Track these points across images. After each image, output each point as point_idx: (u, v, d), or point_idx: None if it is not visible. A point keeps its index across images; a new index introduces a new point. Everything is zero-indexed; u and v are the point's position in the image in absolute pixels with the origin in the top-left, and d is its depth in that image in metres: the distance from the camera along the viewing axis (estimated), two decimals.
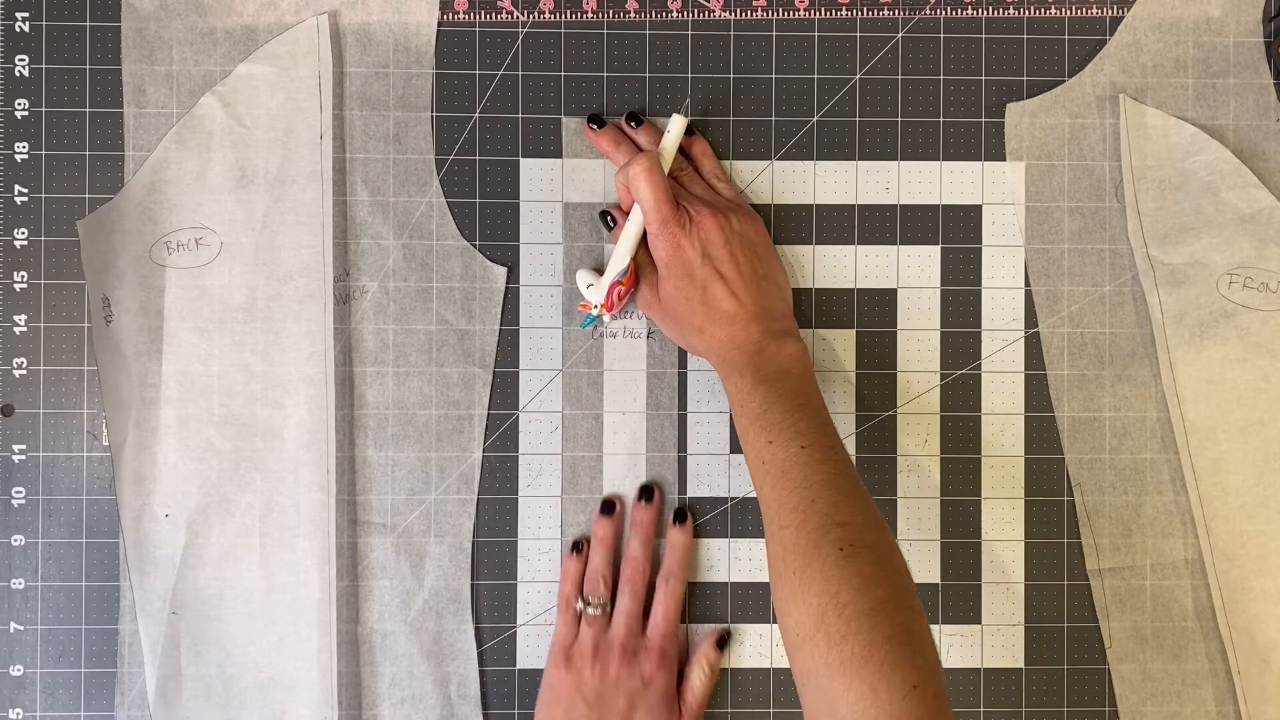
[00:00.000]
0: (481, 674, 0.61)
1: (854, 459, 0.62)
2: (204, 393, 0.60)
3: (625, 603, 0.59)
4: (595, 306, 0.59)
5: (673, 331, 0.59)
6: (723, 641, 0.60)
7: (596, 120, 0.60)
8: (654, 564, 0.60)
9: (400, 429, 0.61)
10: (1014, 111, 0.62)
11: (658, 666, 0.57)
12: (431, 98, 0.61)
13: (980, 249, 0.62)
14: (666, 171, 0.57)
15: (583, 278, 0.60)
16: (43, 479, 0.61)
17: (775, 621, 0.62)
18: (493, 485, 0.62)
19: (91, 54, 0.61)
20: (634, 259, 0.58)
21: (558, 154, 0.62)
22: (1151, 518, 0.62)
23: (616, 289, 0.58)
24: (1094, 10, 0.62)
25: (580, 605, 0.59)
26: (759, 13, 0.62)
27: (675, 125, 0.58)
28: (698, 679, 0.59)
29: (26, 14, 0.61)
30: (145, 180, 0.60)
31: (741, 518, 0.62)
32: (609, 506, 0.61)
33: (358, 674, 0.61)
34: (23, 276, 0.61)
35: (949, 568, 0.62)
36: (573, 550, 0.61)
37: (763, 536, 0.62)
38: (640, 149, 0.60)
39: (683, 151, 0.60)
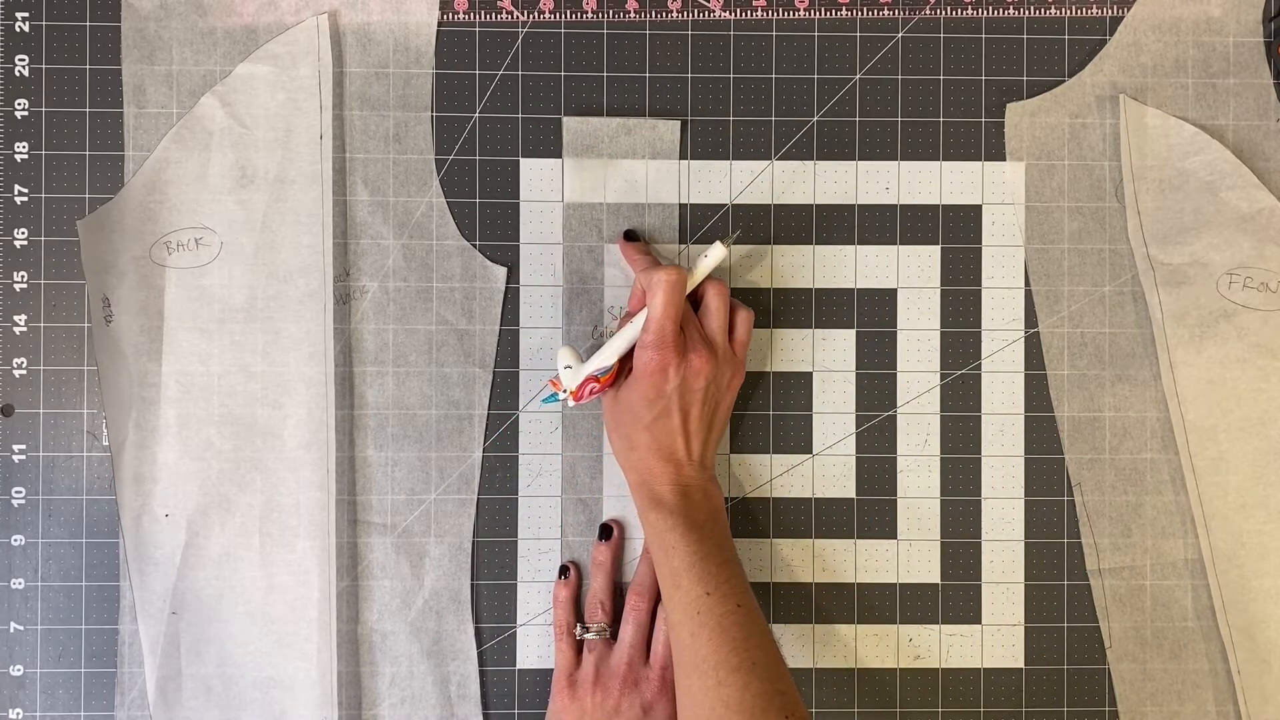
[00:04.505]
0: (481, 674, 0.61)
1: (854, 459, 0.62)
2: (204, 393, 0.60)
3: (629, 633, 0.59)
4: (564, 391, 0.57)
5: (610, 428, 0.59)
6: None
7: (631, 235, 0.60)
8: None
9: (400, 429, 0.61)
10: (1014, 111, 0.62)
11: (659, 694, 0.57)
12: (431, 98, 0.61)
13: (980, 249, 0.62)
14: (689, 291, 0.56)
15: (564, 356, 0.57)
16: (43, 479, 0.61)
17: (773, 621, 0.62)
18: (493, 485, 0.62)
19: (91, 54, 0.61)
20: (619, 362, 0.57)
21: (558, 154, 0.62)
22: (1151, 518, 0.62)
23: (590, 384, 0.57)
24: (1094, 10, 0.62)
25: (580, 632, 0.59)
26: (759, 13, 0.62)
27: (715, 253, 0.56)
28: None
29: (26, 14, 0.61)
30: (145, 180, 0.60)
31: (742, 518, 0.62)
32: (606, 531, 0.61)
33: (358, 674, 0.61)
34: (23, 276, 0.61)
35: (949, 568, 0.62)
36: (560, 576, 0.61)
37: (762, 537, 0.62)
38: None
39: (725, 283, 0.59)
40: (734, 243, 0.56)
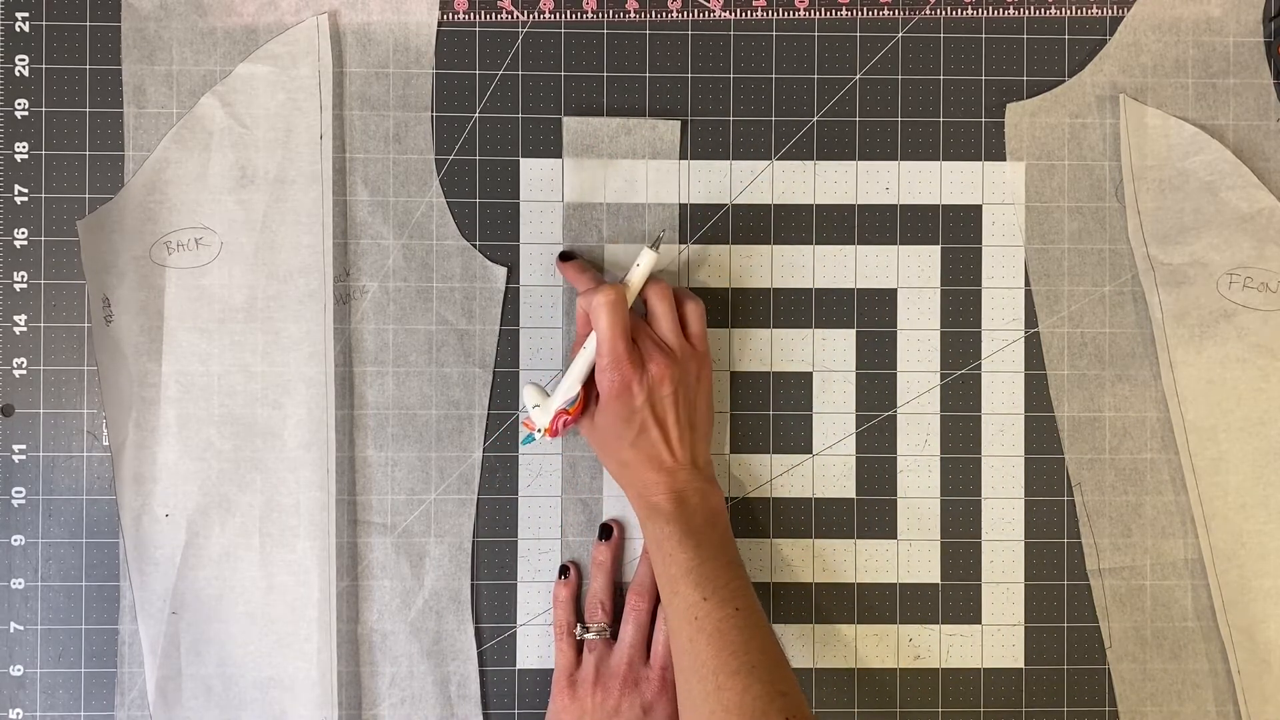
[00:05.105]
0: (481, 674, 0.61)
1: (854, 459, 0.62)
2: (204, 393, 0.60)
3: (629, 633, 0.59)
4: (539, 430, 0.57)
5: (599, 453, 0.59)
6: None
7: (566, 255, 0.60)
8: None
9: (400, 429, 0.61)
10: (1014, 111, 0.62)
11: (659, 694, 0.57)
12: (431, 98, 0.61)
13: (980, 249, 0.62)
14: (630, 304, 0.56)
15: (530, 395, 0.57)
16: (43, 479, 0.61)
17: (773, 621, 0.62)
18: (493, 485, 0.62)
19: (91, 54, 0.61)
20: (584, 388, 0.57)
21: (558, 154, 0.62)
22: (1151, 518, 0.62)
23: (562, 417, 0.57)
24: (1094, 10, 0.62)
25: (580, 632, 0.59)
26: (759, 13, 0.62)
27: (645, 260, 0.56)
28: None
29: (26, 14, 0.61)
30: (145, 180, 0.60)
31: (742, 518, 0.62)
32: (606, 531, 0.61)
33: (358, 674, 0.61)
34: (23, 276, 0.61)
35: (949, 568, 0.62)
36: (560, 576, 0.61)
37: (762, 537, 0.62)
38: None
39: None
40: (662, 244, 0.56)
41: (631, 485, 0.57)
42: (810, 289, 0.62)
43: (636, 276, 0.57)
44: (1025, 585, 0.62)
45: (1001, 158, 0.62)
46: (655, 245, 0.57)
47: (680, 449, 0.56)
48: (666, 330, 0.57)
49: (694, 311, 0.58)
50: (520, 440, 0.61)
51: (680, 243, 0.62)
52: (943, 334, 0.62)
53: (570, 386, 0.57)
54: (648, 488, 0.56)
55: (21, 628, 0.60)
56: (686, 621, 0.53)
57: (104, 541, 0.61)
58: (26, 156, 0.61)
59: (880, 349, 0.62)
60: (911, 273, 0.62)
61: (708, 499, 0.57)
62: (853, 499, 0.62)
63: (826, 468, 0.62)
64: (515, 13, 0.62)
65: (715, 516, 0.56)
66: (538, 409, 0.57)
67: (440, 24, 0.61)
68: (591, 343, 0.56)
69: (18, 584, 0.60)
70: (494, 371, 0.61)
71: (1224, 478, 0.61)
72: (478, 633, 0.61)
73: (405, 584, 0.61)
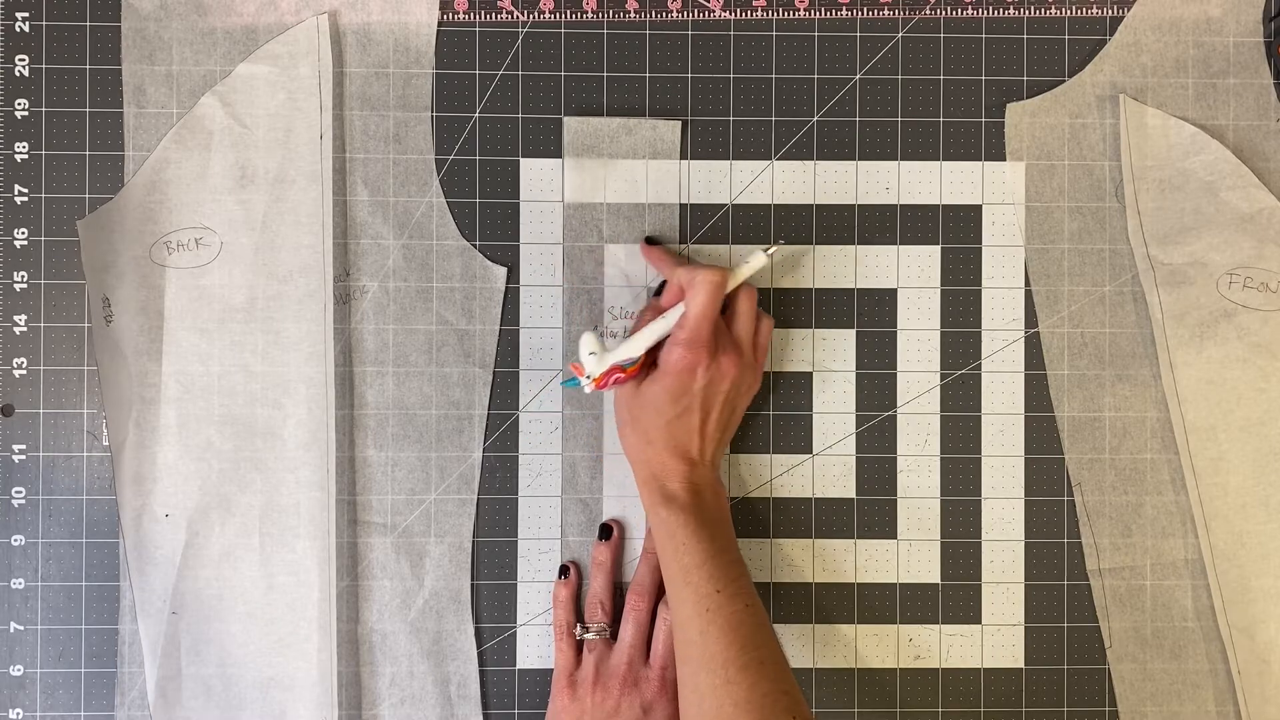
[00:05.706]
0: (481, 674, 0.61)
1: (854, 459, 0.62)
2: (204, 393, 0.60)
3: (629, 632, 0.59)
4: (587, 378, 0.56)
5: (624, 421, 0.58)
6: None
7: (651, 239, 0.61)
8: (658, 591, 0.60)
9: (400, 429, 0.61)
10: (1014, 111, 0.62)
11: (659, 694, 0.57)
12: (431, 98, 0.61)
13: (980, 249, 0.62)
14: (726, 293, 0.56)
15: (587, 342, 0.56)
16: (43, 479, 0.61)
17: (774, 621, 0.62)
18: (493, 485, 0.62)
19: (91, 54, 0.61)
20: (644, 354, 0.56)
21: (558, 154, 0.62)
22: (1151, 518, 0.62)
23: (615, 374, 0.56)
24: (1094, 10, 0.62)
25: (580, 632, 0.59)
26: (759, 13, 0.62)
27: (755, 261, 0.57)
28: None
29: (26, 14, 0.61)
30: (145, 180, 0.60)
31: (743, 518, 0.62)
32: (606, 531, 0.61)
33: (358, 674, 0.61)
34: (23, 276, 0.61)
35: (949, 568, 0.62)
36: (560, 576, 0.61)
37: (762, 537, 0.62)
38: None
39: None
40: (775, 252, 0.57)
41: (648, 465, 0.57)
42: (810, 289, 0.62)
43: (741, 273, 0.57)
44: (1025, 585, 0.62)
45: (1001, 158, 0.62)
46: (770, 251, 0.57)
47: (708, 444, 0.57)
48: (743, 333, 0.57)
49: (766, 326, 0.59)
50: (561, 381, 0.61)
51: (680, 242, 0.62)
52: (943, 334, 0.62)
53: (636, 347, 0.56)
54: (665, 472, 0.56)
55: (21, 628, 0.60)
56: (698, 613, 0.53)
57: (104, 541, 0.61)
58: (26, 156, 0.61)
59: (880, 349, 0.62)
60: (911, 273, 0.62)
61: (718, 495, 0.57)
62: (853, 499, 0.62)
63: (826, 468, 0.62)
64: (515, 13, 0.62)
65: (724, 513, 0.57)
66: (593, 356, 0.56)
67: (440, 24, 0.61)
68: (672, 315, 0.56)
69: (18, 584, 0.60)
70: (494, 371, 0.61)
71: (1224, 478, 0.61)
72: (478, 633, 0.61)
73: (405, 584, 0.61)
